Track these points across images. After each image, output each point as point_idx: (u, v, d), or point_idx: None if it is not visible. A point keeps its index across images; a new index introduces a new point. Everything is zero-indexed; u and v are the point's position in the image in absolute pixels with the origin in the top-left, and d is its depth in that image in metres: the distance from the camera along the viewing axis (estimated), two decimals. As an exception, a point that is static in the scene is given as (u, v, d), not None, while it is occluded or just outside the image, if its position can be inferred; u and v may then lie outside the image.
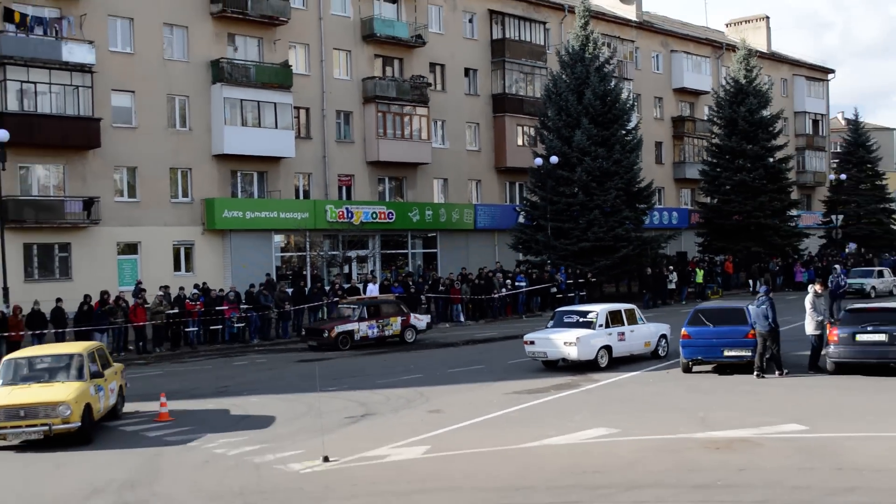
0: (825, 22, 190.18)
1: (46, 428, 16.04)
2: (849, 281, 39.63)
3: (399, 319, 32.38)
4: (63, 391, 16.52)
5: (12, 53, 34.42)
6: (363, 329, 31.27)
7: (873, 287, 44.70)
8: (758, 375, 21.05)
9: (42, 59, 34.99)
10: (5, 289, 29.82)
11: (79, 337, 29.82)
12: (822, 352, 21.67)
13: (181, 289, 33.94)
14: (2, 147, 29.51)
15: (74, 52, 35.68)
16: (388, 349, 30.75)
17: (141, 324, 31.57)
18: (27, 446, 16.50)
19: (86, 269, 36.11)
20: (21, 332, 29.00)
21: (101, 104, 36.91)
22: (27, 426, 16.08)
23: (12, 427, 16.07)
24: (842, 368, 20.81)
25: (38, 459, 15.60)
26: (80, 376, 17.18)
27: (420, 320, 33.30)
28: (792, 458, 13.49)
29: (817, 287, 22.90)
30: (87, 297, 30.86)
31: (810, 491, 11.78)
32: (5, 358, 18.18)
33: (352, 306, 32.48)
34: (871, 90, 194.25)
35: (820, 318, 22.03)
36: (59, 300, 30.47)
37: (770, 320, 21.24)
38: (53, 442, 16.36)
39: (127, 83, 38.10)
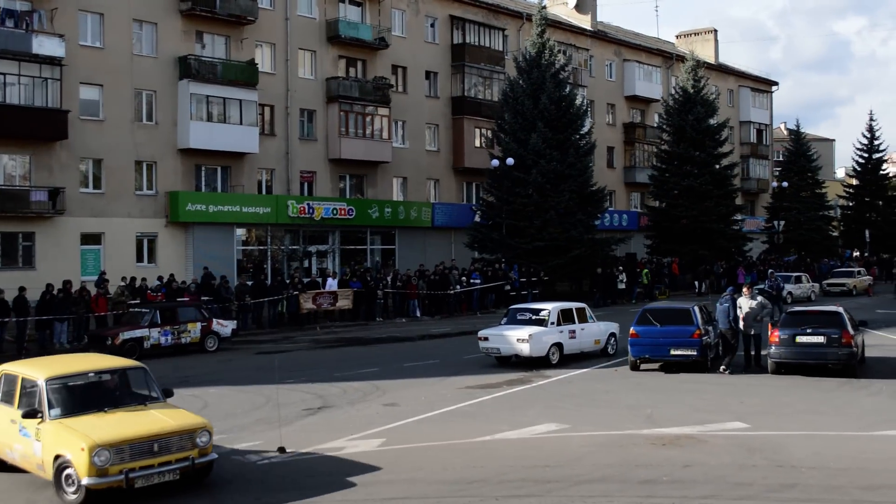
0: (770, 36, 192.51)
1: (188, 464, 12.01)
2: None
3: (199, 325, 28.57)
4: (185, 416, 12.65)
5: (-19, 45, 33.86)
6: (155, 336, 27.50)
7: (790, 292, 43.44)
8: (724, 371, 21.48)
9: (12, 51, 34.34)
10: (-31, 276, 29.31)
11: (40, 326, 29.44)
12: (763, 352, 21.90)
13: (143, 280, 33.56)
14: (-32, 137, 28.99)
15: (44, 45, 35.06)
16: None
17: (102, 314, 31.10)
18: None
19: (49, 258, 35.53)
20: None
21: (70, 97, 36.35)
22: (161, 464, 11.83)
23: (143, 467, 11.68)
24: (782, 368, 21.03)
25: None
26: (157, 397, 13.18)
27: (224, 326, 29.45)
28: (734, 454, 13.53)
29: (745, 290, 23.15)
30: (49, 286, 30.31)
31: (752, 487, 11.82)
32: (51, 377, 12.58)
33: (143, 310, 28.61)
34: (812, 102, 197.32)
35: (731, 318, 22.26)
36: (22, 289, 29.84)
37: (731, 319, 21.66)
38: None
39: (95, 77, 37.57)
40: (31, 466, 12.35)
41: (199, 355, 27.85)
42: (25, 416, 12.17)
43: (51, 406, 12.17)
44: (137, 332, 27.29)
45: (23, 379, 12.81)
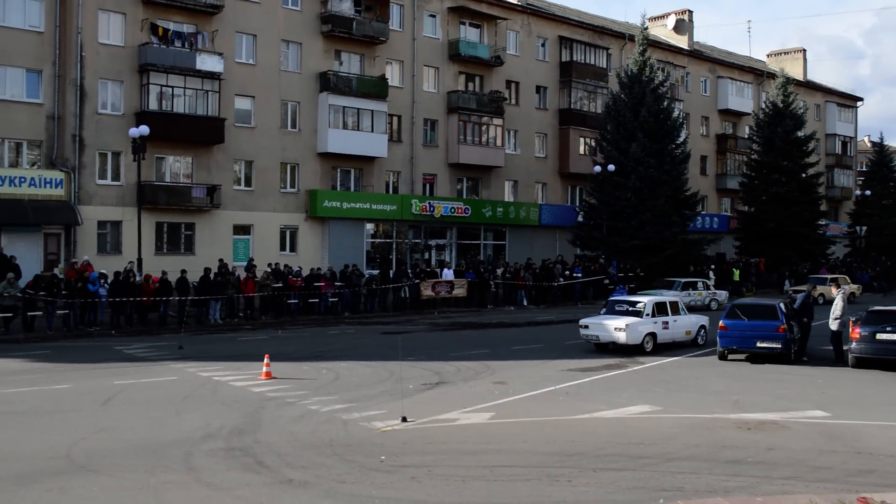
0: (858, 53, 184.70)
1: None
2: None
3: None
4: None
5: (155, 62, 35.07)
6: None
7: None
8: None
9: (179, 67, 35.56)
10: (139, 260, 30.36)
11: (197, 303, 30.28)
12: (844, 347, 21.17)
13: (286, 266, 34.25)
14: (143, 140, 30.04)
15: (206, 62, 36.22)
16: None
17: (250, 294, 31.87)
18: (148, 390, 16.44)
19: (206, 245, 36.68)
20: (151, 298, 29.22)
21: (226, 106, 37.43)
22: None
23: None
24: (862, 363, 20.28)
25: (160, 406, 15.64)
26: None
27: None
28: (815, 440, 13.07)
29: (832, 289, 22.55)
30: (206, 269, 31.21)
31: (832, 471, 11.38)
32: None
33: None
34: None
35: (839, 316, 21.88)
36: (183, 271, 30.88)
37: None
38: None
39: (248, 89, 38.57)
40: None
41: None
42: None
43: None
44: None
45: None
